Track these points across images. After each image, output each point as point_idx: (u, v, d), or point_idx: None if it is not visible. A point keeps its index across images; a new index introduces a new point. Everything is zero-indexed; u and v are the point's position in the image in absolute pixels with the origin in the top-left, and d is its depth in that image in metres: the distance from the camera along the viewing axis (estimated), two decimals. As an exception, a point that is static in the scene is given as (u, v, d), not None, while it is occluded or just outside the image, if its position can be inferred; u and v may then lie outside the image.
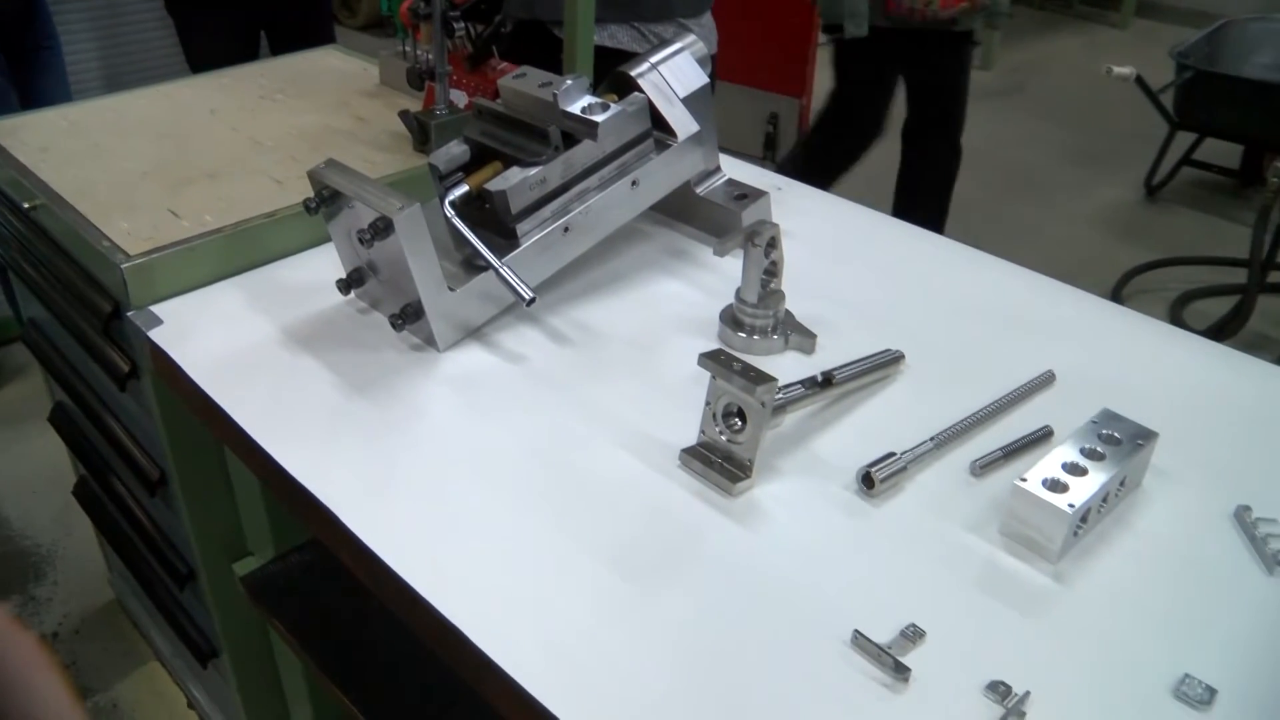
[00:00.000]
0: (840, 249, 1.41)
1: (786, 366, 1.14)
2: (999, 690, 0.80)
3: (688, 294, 1.27)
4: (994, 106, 5.04)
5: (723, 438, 0.98)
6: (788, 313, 1.18)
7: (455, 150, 1.23)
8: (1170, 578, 0.93)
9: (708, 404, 0.98)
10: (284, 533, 1.38)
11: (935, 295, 1.31)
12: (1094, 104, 4.95)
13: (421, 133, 1.52)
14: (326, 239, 1.27)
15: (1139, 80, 3.58)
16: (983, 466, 1.01)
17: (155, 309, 1.23)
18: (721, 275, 1.28)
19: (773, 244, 1.12)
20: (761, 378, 0.93)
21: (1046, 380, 1.15)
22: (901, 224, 1.49)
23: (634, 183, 1.26)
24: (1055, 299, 1.33)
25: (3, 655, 0.42)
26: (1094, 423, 1.00)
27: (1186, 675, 0.83)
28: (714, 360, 0.95)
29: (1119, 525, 0.98)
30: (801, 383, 1.03)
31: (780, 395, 0.99)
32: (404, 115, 1.54)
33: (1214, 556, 0.96)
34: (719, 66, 1.97)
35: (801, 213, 1.47)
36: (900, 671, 0.80)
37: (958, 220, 2.92)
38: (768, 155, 4.08)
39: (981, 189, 4.14)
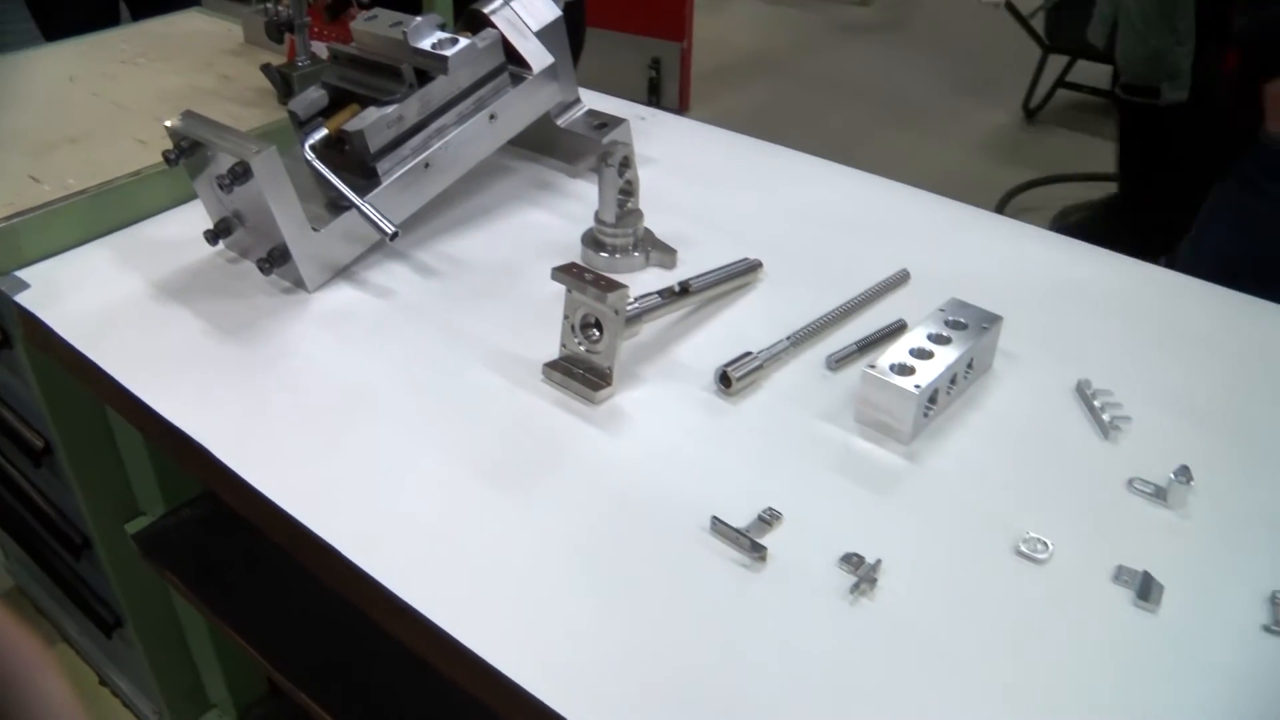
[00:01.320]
0: (703, 170, 1.44)
1: (648, 282, 1.17)
2: (852, 561, 0.84)
3: (552, 222, 1.30)
4: (874, 41, 5.11)
5: (582, 349, 1.01)
6: (647, 231, 1.21)
7: (313, 96, 1.24)
8: (1017, 449, 0.98)
9: (565, 318, 1.01)
10: (174, 489, 1.38)
11: (795, 208, 1.34)
12: (972, 34, 5.03)
13: (285, 85, 1.52)
14: (194, 195, 1.27)
15: (1009, 6, 3.65)
16: (838, 361, 1.06)
17: (21, 274, 1.23)
18: (586, 203, 1.31)
19: (626, 163, 1.15)
20: (612, 285, 0.96)
21: (901, 279, 1.19)
22: (763, 144, 1.52)
23: (492, 116, 1.27)
24: (911, 204, 1.38)
25: (3, 655, 0.42)
26: (941, 310, 1.05)
27: (1028, 533, 0.88)
28: (567, 274, 0.98)
29: (970, 406, 1.03)
30: (658, 293, 1.06)
31: (636, 304, 1.02)
32: (266, 69, 1.54)
33: (1057, 427, 1.01)
34: (599, 15, 1.98)
35: (665, 139, 1.50)
36: (757, 550, 0.84)
37: (839, 151, 2.95)
38: (652, 101, 4.11)
39: (863, 121, 4.21)
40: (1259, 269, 1.60)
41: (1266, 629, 0.82)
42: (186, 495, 1.39)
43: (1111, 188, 3.23)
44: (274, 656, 1.25)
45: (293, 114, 1.22)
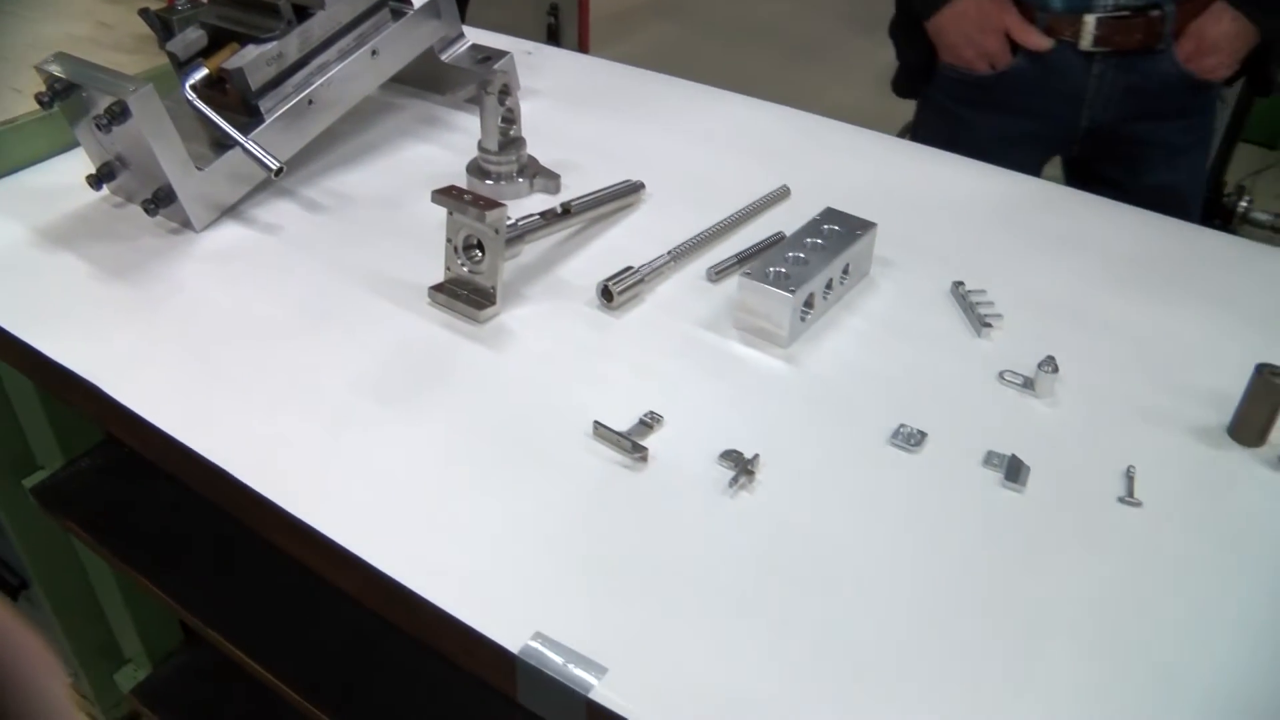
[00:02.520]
0: (589, 100, 1.45)
1: (533, 208, 1.18)
2: (731, 457, 0.87)
3: (439, 155, 1.30)
4: (775, -16, 5.12)
5: (465, 270, 1.02)
6: (531, 158, 1.23)
7: (191, 36, 1.23)
8: (893, 349, 1.02)
9: (448, 240, 1.02)
10: (71, 441, 1.38)
11: (679, 132, 1.37)
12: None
13: (165, 30, 1.50)
14: (76, 142, 1.26)
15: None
16: (718, 272, 1.08)
17: (-109, 231, 1.21)
18: (472, 135, 1.31)
19: (505, 91, 1.16)
20: (491, 205, 0.97)
21: (782, 194, 1.22)
22: (650, 74, 1.54)
23: (374, 52, 1.28)
24: (796, 127, 1.40)
25: (3, 655, 0.42)
26: (816, 220, 1.07)
27: (901, 424, 0.91)
28: (447, 195, 0.99)
29: (848, 310, 1.06)
30: (540, 214, 1.08)
31: (516, 225, 1.04)
32: (144, 14, 1.51)
33: (933, 326, 1.05)
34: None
35: (551, 72, 1.51)
36: (638, 451, 0.86)
37: (741, 90, 2.97)
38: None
39: (766, 61, 4.23)
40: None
41: (1121, 500, 0.87)
42: (85, 446, 1.38)
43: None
44: (186, 600, 1.26)
45: (172, 55, 1.22)
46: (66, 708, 0.43)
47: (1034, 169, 1.75)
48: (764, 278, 0.99)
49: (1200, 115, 1.76)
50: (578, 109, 1.42)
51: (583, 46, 4.13)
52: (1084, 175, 1.82)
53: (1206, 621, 0.77)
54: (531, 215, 1.07)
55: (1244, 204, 2.82)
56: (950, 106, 1.82)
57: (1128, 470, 0.89)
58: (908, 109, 1.87)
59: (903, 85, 1.94)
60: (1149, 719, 0.70)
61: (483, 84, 1.15)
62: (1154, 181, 1.74)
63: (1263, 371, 0.93)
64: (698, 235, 1.12)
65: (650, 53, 3.06)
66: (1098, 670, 0.73)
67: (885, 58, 1.90)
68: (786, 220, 1.17)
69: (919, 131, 1.92)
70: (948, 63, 1.76)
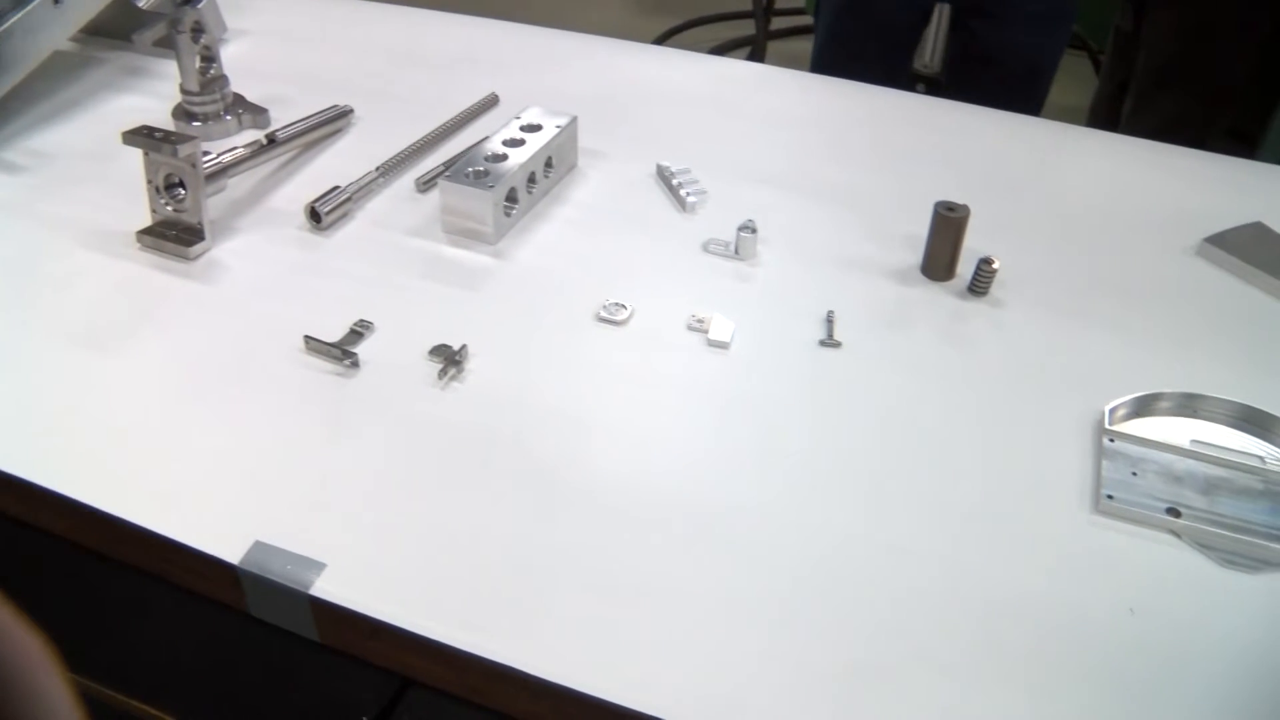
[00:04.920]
0: (297, 35, 1.44)
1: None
2: (440, 351, 0.89)
3: (145, 104, 1.28)
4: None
5: (170, 210, 1.02)
6: (237, 95, 1.22)
7: None
8: (602, 233, 1.05)
9: (149, 182, 1.02)
10: None
11: (392, 56, 1.37)
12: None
13: None
14: None
15: None
16: (425, 182, 1.10)
17: None
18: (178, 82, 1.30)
19: (199, 29, 1.15)
20: (183, 139, 0.97)
21: (491, 102, 1.24)
22: (362, 3, 1.53)
23: (56, 1, 1.24)
24: (504, 37, 1.42)
25: (3, 655, 0.41)
26: (517, 118, 1.10)
27: (607, 300, 0.95)
28: (138, 135, 0.99)
29: (557, 202, 1.09)
30: (243, 146, 1.08)
31: (217, 158, 1.04)
32: None
33: (640, 209, 1.09)
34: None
35: (259, 12, 1.49)
36: (348, 358, 0.88)
37: (496, 15, 2.96)
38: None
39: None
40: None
41: (822, 343, 0.92)
42: None
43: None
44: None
45: None
46: (67, 708, 0.43)
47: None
48: (464, 179, 1.01)
49: None
50: (289, 44, 1.42)
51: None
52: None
53: (900, 434, 0.84)
54: (234, 148, 1.07)
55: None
56: None
57: (828, 315, 0.95)
58: (660, 24, 1.92)
59: None
60: (858, 513, 0.76)
61: (172, 23, 1.13)
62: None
63: (940, 208, 1.00)
64: (405, 149, 1.13)
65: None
66: (807, 490, 0.78)
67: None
68: (495, 125, 1.19)
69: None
70: None
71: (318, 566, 0.73)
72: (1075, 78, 2.86)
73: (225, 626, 0.80)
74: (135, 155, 1.00)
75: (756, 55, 3.24)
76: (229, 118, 1.21)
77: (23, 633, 0.42)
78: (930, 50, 1.62)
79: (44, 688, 0.41)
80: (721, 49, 3.53)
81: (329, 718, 0.78)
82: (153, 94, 1.30)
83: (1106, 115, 2.48)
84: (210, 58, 1.18)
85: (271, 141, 1.10)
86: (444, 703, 0.72)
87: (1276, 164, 1.22)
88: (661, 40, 3.49)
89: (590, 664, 0.67)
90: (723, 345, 0.92)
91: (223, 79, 1.20)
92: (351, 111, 1.21)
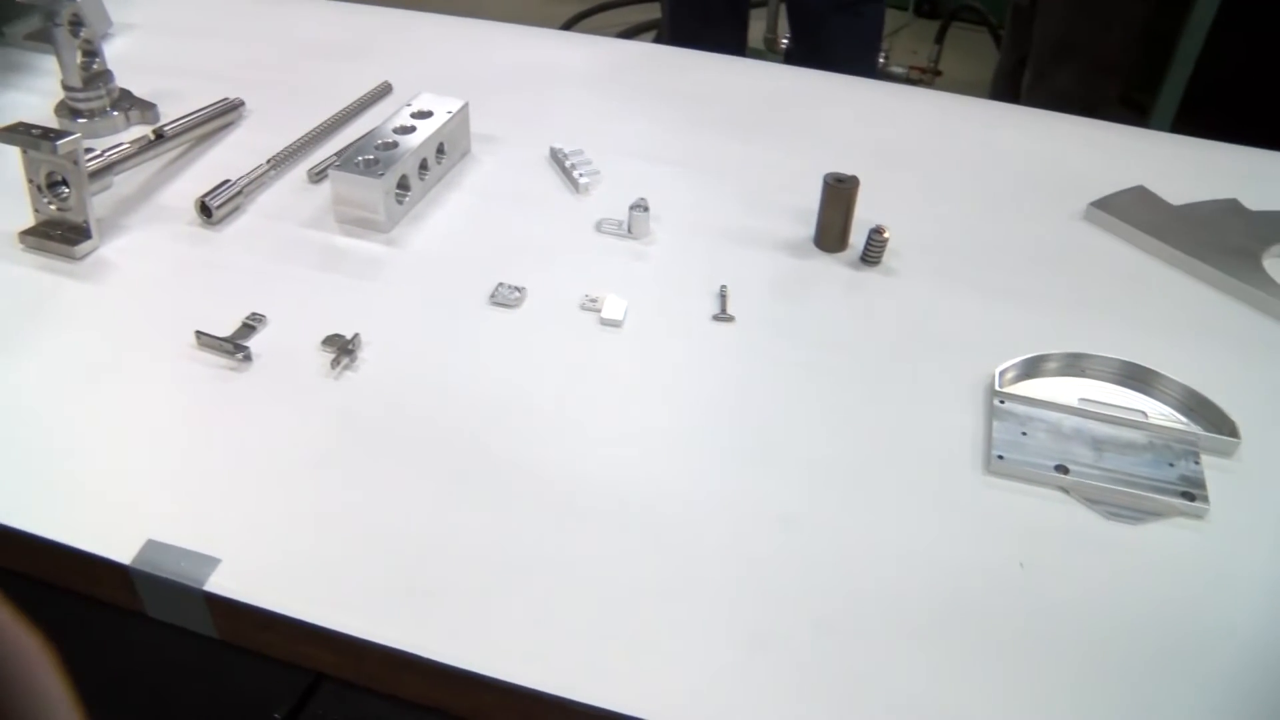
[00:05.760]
0: (186, 28, 1.42)
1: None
2: (332, 340, 0.88)
3: (28, 100, 1.25)
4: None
5: (54, 209, 1.00)
6: (124, 91, 1.20)
7: None
8: (495, 216, 1.05)
9: (30, 181, 1.00)
10: None
11: (285, 47, 1.36)
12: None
13: None
14: None
15: None
16: (318, 173, 1.09)
17: None
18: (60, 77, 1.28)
19: (78, 22, 1.13)
20: (61, 134, 0.95)
21: (384, 90, 1.23)
22: (252, -6, 1.52)
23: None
24: (399, 25, 1.41)
25: (3, 655, 0.40)
26: (407, 105, 1.09)
27: (500, 283, 0.95)
28: (13, 133, 0.96)
29: (451, 188, 1.09)
30: (129, 142, 1.06)
31: (104, 154, 1.02)
32: None
33: (533, 192, 1.09)
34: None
35: (148, 4, 1.47)
36: (240, 351, 0.87)
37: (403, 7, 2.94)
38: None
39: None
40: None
41: (715, 318, 0.93)
42: None
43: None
44: None
45: None
46: (66, 708, 0.42)
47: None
48: (354, 168, 1.00)
49: None
50: (177, 38, 1.39)
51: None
52: None
53: (794, 405, 0.85)
54: (119, 144, 1.05)
55: (881, 59, 2.99)
56: None
57: (720, 290, 0.96)
58: (567, 10, 1.92)
59: None
60: (753, 484, 0.76)
61: (48, 15, 1.11)
62: None
63: (829, 179, 1.01)
64: (297, 140, 1.12)
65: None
66: (698, 463, 0.79)
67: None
68: (389, 113, 1.18)
69: None
70: None
71: (212, 562, 0.72)
72: (976, 53, 2.91)
73: (129, 630, 0.79)
74: (15, 153, 0.98)
75: (662, 38, 3.25)
76: (115, 113, 1.18)
77: (21, 632, 0.42)
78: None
79: (43, 687, 0.41)
80: (629, 33, 3.53)
81: (241, 717, 0.78)
82: (36, 90, 1.27)
83: (1007, 89, 2.53)
84: (93, 52, 1.16)
85: (160, 137, 1.08)
86: (355, 695, 0.72)
87: (1164, 130, 1.25)
88: (568, 26, 3.48)
89: (486, 645, 0.67)
90: (615, 324, 0.92)
91: (107, 74, 1.18)
92: (242, 104, 1.19)
